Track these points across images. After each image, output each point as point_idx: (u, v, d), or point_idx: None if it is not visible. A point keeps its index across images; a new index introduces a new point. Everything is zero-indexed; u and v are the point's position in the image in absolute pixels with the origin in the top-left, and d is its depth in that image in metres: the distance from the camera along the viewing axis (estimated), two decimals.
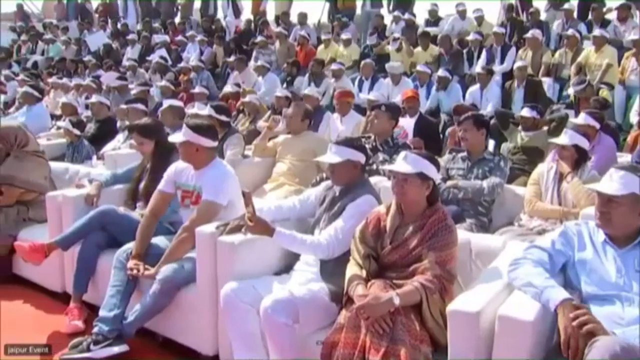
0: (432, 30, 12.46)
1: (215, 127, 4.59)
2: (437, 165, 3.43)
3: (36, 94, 9.49)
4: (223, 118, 6.59)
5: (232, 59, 12.65)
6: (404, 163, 3.35)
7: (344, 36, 12.47)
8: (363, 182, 3.85)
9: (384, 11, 14.52)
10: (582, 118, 5.82)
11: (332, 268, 3.56)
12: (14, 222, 5.44)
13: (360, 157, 3.79)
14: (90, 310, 4.54)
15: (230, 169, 4.40)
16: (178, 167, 4.43)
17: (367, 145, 4.75)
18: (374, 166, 5.20)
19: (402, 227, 3.37)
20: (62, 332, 4.39)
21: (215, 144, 4.39)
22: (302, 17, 14.43)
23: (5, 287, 5.24)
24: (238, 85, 11.21)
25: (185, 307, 4.01)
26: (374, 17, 13.90)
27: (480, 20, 12.44)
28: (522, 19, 12.39)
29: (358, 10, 15.02)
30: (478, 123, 5.01)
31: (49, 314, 4.80)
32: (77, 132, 7.35)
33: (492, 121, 6.67)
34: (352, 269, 3.36)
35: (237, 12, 16.72)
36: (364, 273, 3.31)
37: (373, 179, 4.40)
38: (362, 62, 10.94)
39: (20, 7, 21.94)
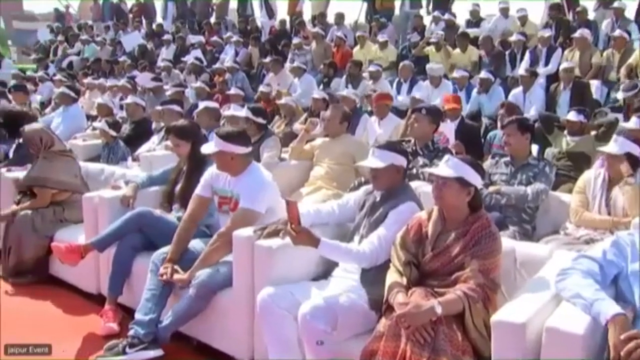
0: (472, 31, 12.14)
1: (246, 133, 4.53)
2: (480, 172, 3.35)
3: (72, 94, 9.54)
4: (260, 120, 6.55)
5: (267, 60, 12.59)
6: (445, 167, 3.28)
7: (380, 38, 12.27)
8: (404, 187, 3.77)
9: (423, 12, 14.31)
10: (634, 122, 5.61)
11: (373, 276, 3.48)
12: (51, 222, 5.47)
13: (403, 162, 3.72)
14: (125, 313, 4.55)
15: (268, 175, 4.35)
16: (214, 171, 4.39)
17: (407, 150, 4.66)
18: (414, 170, 5.10)
19: (444, 234, 3.30)
20: (97, 334, 4.39)
21: (249, 149, 4.34)
22: (339, 18, 14.28)
23: (42, 288, 5.30)
24: (269, 85, 11.11)
25: (221, 312, 3.98)
26: (413, 18, 13.65)
27: (523, 20, 12.03)
28: (568, 18, 11.92)
29: (397, 11, 14.81)
30: (522, 127, 4.89)
31: (83, 316, 4.82)
32: (113, 133, 7.34)
33: (536, 125, 6.50)
34: (392, 276, 3.29)
35: (270, 13, 16.63)
36: (404, 280, 3.24)
37: (413, 184, 4.31)
38: (401, 64, 10.71)
39: (66, 8, 22.31)
